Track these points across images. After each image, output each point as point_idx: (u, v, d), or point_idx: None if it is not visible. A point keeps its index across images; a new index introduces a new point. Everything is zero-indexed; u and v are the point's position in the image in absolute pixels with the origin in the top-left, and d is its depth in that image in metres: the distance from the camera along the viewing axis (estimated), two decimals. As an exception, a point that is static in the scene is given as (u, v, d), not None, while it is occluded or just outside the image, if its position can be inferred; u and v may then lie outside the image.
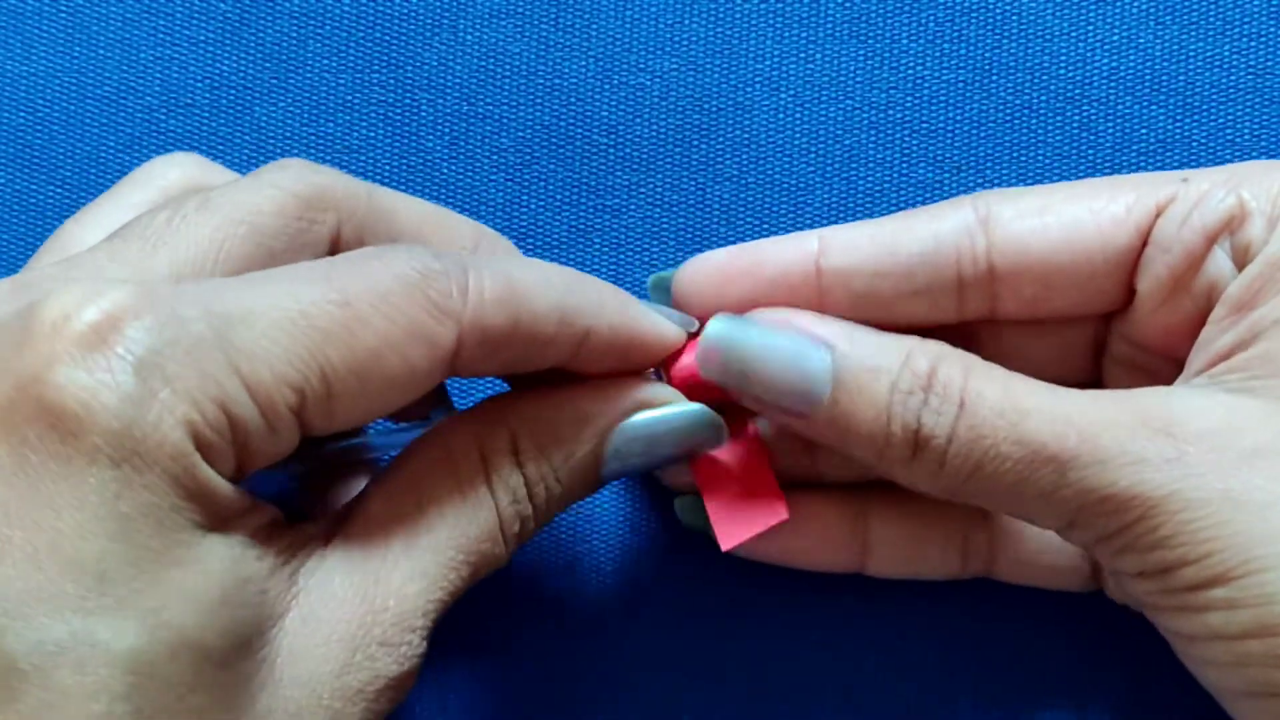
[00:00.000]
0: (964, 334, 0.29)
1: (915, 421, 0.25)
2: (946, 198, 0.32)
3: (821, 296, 0.27)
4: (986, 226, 0.27)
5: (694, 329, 0.27)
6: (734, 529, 0.28)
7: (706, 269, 0.28)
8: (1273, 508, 0.23)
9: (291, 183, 0.25)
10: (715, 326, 0.26)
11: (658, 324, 0.26)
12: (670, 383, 0.27)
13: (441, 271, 0.23)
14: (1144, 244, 0.26)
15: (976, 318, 0.27)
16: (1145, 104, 0.32)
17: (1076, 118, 0.32)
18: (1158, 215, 0.26)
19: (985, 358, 0.29)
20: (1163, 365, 0.27)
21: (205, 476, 0.21)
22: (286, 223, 0.25)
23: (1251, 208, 0.25)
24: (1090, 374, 0.29)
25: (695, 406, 0.26)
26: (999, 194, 0.27)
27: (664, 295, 0.29)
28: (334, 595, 0.23)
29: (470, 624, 0.31)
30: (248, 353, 0.21)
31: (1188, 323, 0.26)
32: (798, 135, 0.32)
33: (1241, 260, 0.25)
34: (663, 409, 0.26)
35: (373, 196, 0.26)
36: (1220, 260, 0.26)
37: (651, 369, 0.27)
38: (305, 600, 0.23)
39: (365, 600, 0.23)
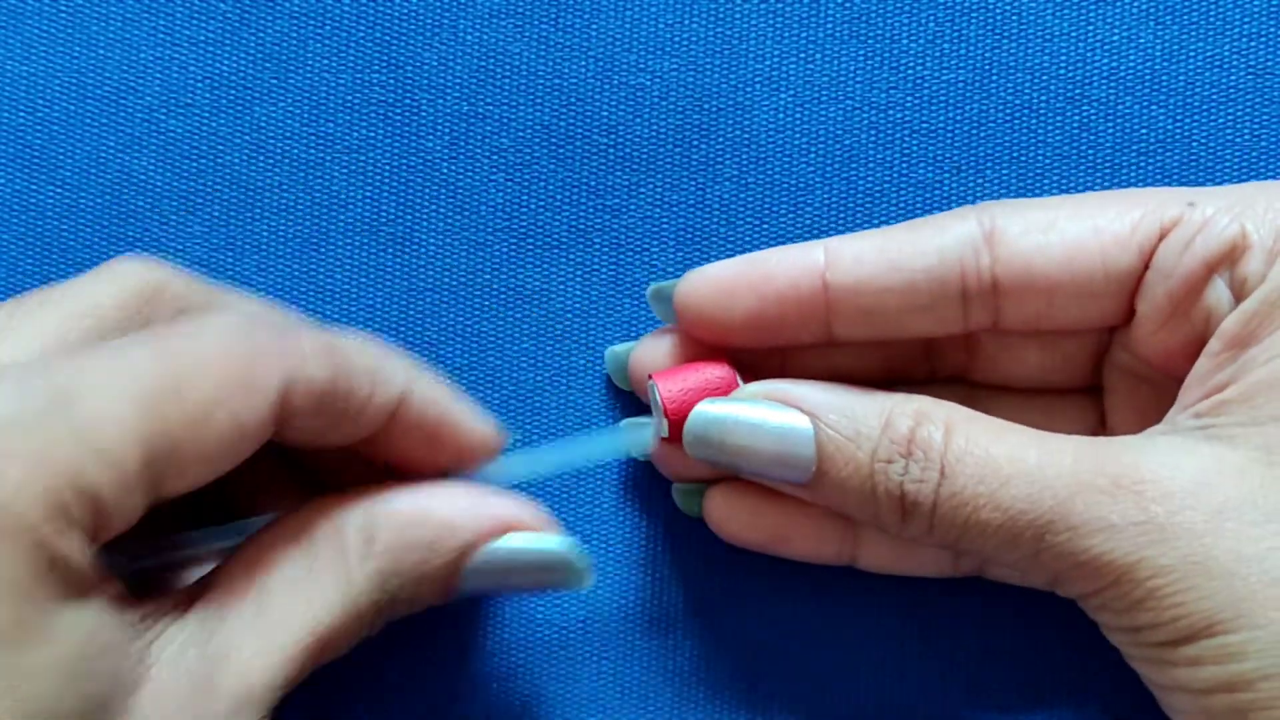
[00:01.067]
0: (968, 342, 0.29)
1: (899, 489, 0.25)
2: (946, 198, 0.32)
3: (829, 311, 0.27)
4: (991, 241, 0.27)
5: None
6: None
7: (710, 283, 0.28)
8: (1237, 572, 0.23)
9: (132, 278, 0.25)
10: (700, 414, 0.27)
11: (471, 415, 0.26)
12: (666, 411, 0.28)
13: (264, 327, 0.24)
14: (1146, 266, 0.26)
15: (980, 328, 0.28)
16: (1145, 104, 0.32)
17: (1076, 118, 0.32)
18: (1161, 238, 0.26)
19: (987, 364, 0.29)
20: (1163, 377, 0.27)
21: (62, 548, 0.21)
22: (127, 315, 0.25)
23: (1253, 240, 0.25)
24: (1091, 379, 0.29)
25: (560, 544, 0.26)
26: (1005, 206, 0.27)
27: (665, 305, 0.29)
28: (183, 670, 0.23)
29: (467, 623, 0.31)
30: (91, 421, 0.21)
31: (1186, 346, 0.26)
32: (798, 135, 0.32)
33: (1239, 293, 0.25)
34: (528, 539, 0.26)
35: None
36: (1220, 290, 0.26)
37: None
38: (157, 673, 0.23)
39: (208, 678, 0.23)
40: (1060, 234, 0.26)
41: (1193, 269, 0.26)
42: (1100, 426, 0.29)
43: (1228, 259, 0.25)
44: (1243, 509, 0.24)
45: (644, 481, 0.31)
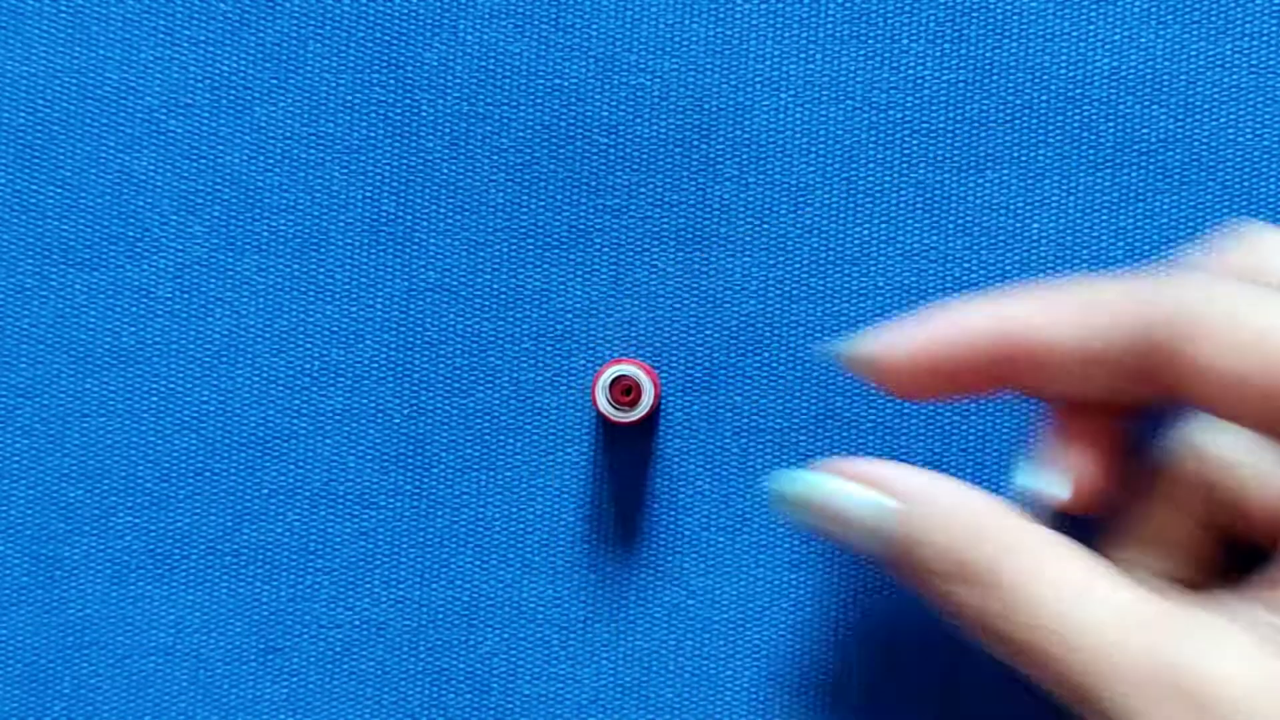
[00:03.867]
0: None
1: (955, 608, 0.26)
2: (946, 198, 0.32)
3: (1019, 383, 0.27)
4: (1177, 359, 0.25)
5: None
6: None
7: (902, 366, 0.28)
8: None
9: None
10: (784, 483, 0.28)
11: None
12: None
13: None
14: None
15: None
16: (1145, 104, 0.32)
17: (1076, 118, 0.32)
18: None
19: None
20: None
21: None
22: None
23: None
24: None
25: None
26: (1204, 301, 0.25)
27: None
28: None
29: (468, 624, 0.31)
30: None
31: None
32: (798, 135, 0.32)
33: None
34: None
35: None
36: None
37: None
38: None
39: None
40: (1255, 380, 0.24)
41: None
42: None
43: None
44: None
45: (645, 480, 0.31)
